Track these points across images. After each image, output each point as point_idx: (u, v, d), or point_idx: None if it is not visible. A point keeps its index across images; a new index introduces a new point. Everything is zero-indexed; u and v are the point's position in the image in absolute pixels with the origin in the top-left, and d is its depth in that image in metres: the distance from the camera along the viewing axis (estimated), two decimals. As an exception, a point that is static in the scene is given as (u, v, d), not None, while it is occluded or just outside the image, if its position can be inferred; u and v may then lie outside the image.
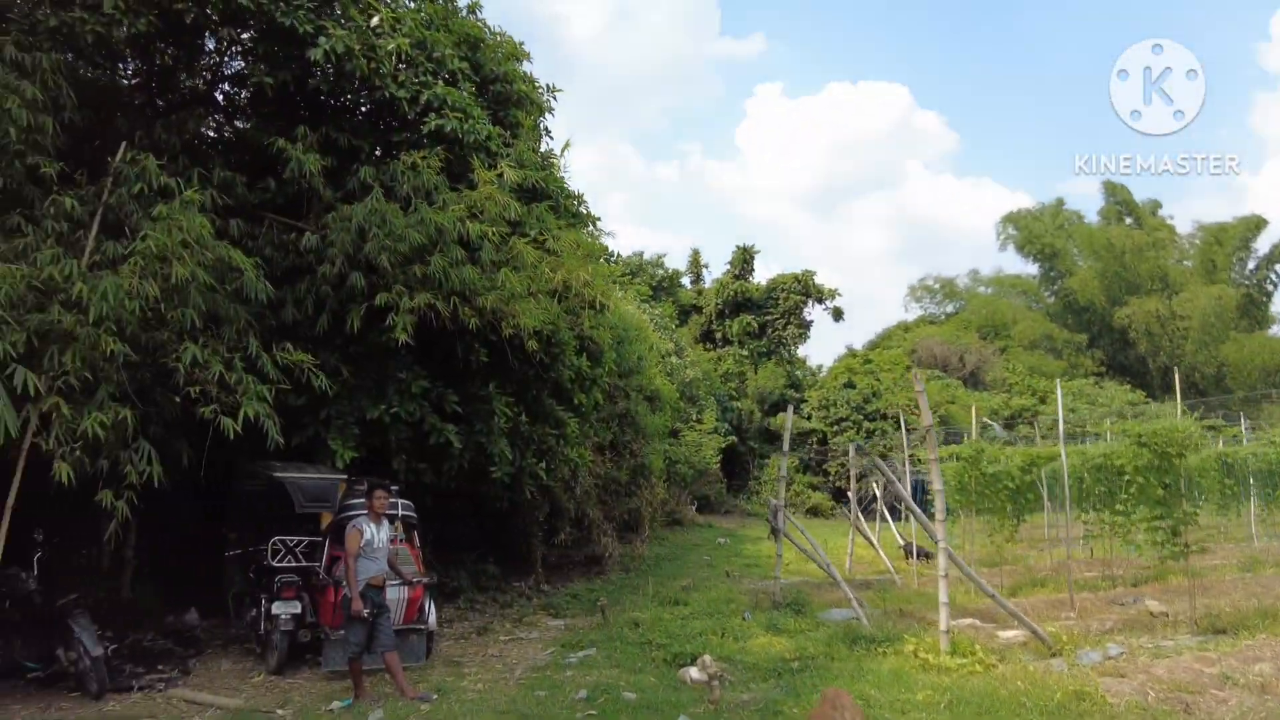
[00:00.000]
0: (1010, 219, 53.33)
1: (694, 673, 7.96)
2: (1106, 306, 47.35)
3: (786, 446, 11.63)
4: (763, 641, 9.57)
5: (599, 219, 12.46)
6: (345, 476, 8.69)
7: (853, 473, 16.35)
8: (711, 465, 29.68)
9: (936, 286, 57.13)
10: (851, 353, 46.83)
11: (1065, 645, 8.45)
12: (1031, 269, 54.17)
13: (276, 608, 8.14)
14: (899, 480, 23.49)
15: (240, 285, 8.19)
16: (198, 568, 11.59)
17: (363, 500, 8.37)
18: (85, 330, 6.70)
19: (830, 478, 34.71)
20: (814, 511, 33.07)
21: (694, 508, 28.67)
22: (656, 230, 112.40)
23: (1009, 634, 9.59)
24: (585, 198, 12.53)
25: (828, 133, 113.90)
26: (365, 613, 7.17)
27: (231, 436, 7.05)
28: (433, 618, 8.72)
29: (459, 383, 10.83)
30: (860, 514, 15.86)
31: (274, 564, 8.82)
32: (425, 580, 8.52)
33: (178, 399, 7.85)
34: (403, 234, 8.50)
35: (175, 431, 8.76)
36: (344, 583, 7.47)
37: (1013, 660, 7.99)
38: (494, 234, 8.94)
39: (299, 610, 8.25)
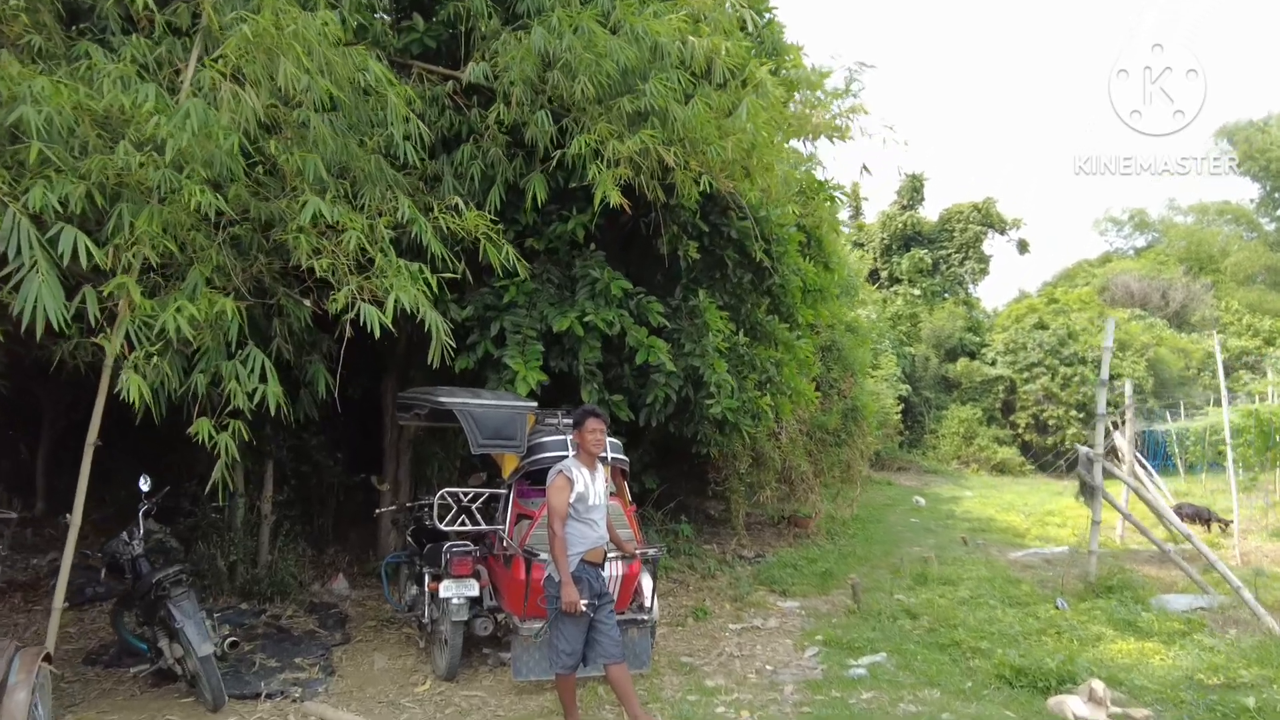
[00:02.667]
0: (1225, 132, 45.54)
1: (1079, 707, 5.06)
2: (1354, 231, 39.83)
3: (1105, 374, 8.30)
4: (1124, 648, 6.53)
5: (829, 73, 9.18)
6: (534, 405, 6.18)
7: (1128, 417, 12.70)
8: (892, 416, 26.21)
9: (1125, 218, 50.27)
10: (1024, 294, 41.60)
11: None
12: (1246, 191, 46.53)
13: (445, 588, 5.75)
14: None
15: (387, 145, 5.81)
16: (345, 526, 9.69)
17: (560, 438, 5.88)
18: (162, 175, 4.41)
19: (1019, 431, 30.83)
20: (1001, 469, 29.54)
21: (866, 464, 25.41)
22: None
23: None
24: (804, 50, 9.30)
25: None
26: (583, 605, 4.65)
27: (377, 334, 4.63)
28: (655, 604, 6.14)
29: (661, 290, 8.22)
30: (1130, 472, 12.32)
31: (440, 526, 6.49)
32: (649, 553, 5.90)
33: (305, 300, 5.60)
34: (605, 50, 5.80)
35: (308, 348, 6.57)
36: (543, 557, 5.00)
37: None
38: (729, 52, 6.09)
39: (476, 591, 5.85)
